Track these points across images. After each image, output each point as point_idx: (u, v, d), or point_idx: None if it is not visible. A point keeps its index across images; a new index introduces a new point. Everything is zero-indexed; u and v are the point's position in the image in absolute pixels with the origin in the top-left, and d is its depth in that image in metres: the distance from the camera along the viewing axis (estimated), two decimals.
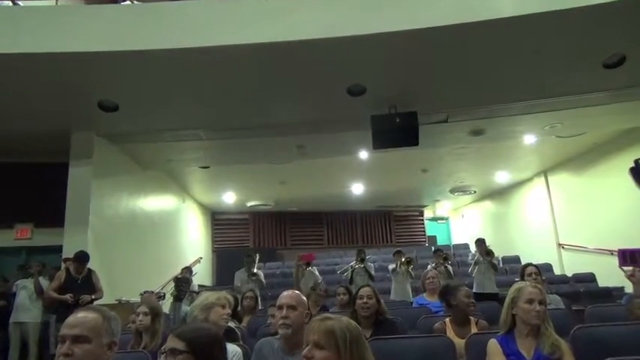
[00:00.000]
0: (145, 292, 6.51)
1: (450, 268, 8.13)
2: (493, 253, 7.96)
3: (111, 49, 4.89)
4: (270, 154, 8.27)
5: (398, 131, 5.97)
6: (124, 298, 6.46)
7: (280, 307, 2.59)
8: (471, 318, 3.57)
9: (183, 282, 7.13)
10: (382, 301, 3.70)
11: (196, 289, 8.52)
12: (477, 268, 7.90)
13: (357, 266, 8.06)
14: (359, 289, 3.70)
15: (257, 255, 8.40)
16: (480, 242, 8.21)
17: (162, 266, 9.28)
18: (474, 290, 8.00)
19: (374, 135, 6.08)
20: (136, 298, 6.32)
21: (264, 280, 8.27)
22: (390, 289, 8.14)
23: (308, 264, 7.98)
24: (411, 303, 5.87)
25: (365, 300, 3.59)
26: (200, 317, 2.65)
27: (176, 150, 7.69)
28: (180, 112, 6.32)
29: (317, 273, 8.27)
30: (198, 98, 5.96)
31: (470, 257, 8.46)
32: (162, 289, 8.66)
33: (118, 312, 2.23)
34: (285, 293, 2.65)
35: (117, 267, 6.98)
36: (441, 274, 7.81)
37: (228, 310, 2.74)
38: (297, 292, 2.67)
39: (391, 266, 8.26)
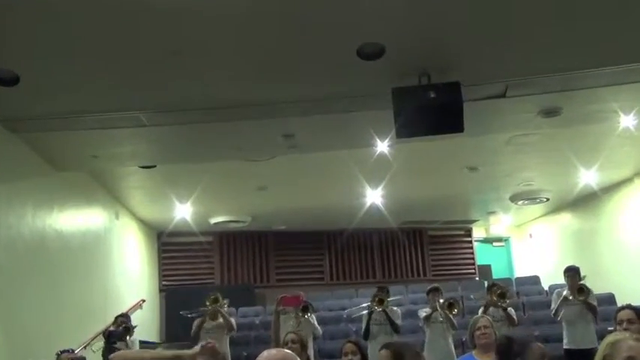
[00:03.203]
0: (62, 353, 6.51)
1: (511, 311, 8.16)
2: (588, 289, 8.00)
3: None
4: (245, 146, 8.25)
5: (432, 111, 5.97)
6: None
7: None
8: None
9: (116, 337, 7.12)
10: None
11: (135, 345, 8.54)
12: (563, 311, 7.94)
13: (375, 309, 8.09)
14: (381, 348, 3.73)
15: (225, 300, 8.49)
16: (572, 273, 8.23)
17: (87, 313, 9.27)
18: (564, 345, 8.04)
19: (397, 117, 6.08)
20: None
21: (235, 326, 8.35)
22: (423, 346, 8.17)
23: (305, 308, 8.01)
24: None
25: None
26: None
27: (105, 141, 7.68)
28: (111, 85, 6.32)
29: (316, 323, 8.31)
30: (138, 65, 5.97)
31: (554, 295, 8.51)
32: (86, 347, 8.66)
33: None
34: (266, 355, 2.58)
35: (19, 314, 6.97)
36: (498, 321, 7.85)
37: None
38: (285, 352, 2.65)
39: (424, 312, 8.29)
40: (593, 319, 8.05)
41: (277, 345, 6.09)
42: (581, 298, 7.96)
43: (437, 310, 8.14)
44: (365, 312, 8.36)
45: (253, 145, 8.21)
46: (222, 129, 7.43)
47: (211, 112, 6.96)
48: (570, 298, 7.91)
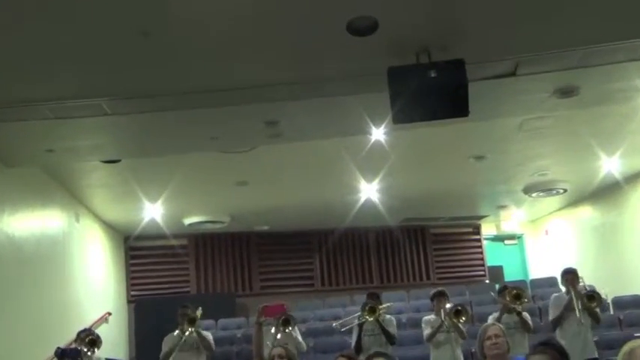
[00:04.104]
0: None
1: (526, 316, 8.18)
2: (600, 296, 8.05)
3: None
4: (222, 136, 8.23)
5: (433, 93, 5.97)
6: None
7: None
8: None
9: (71, 356, 6.98)
10: None
11: None
12: (565, 319, 7.99)
13: (366, 319, 8.11)
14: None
15: (199, 309, 8.44)
16: (569, 276, 8.29)
17: (43, 330, 9.22)
18: None
19: (393, 101, 6.08)
20: None
21: (212, 341, 8.31)
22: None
23: (286, 321, 8.01)
24: None
25: None
26: None
27: (62, 133, 7.64)
28: (69, 69, 6.27)
29: (299, 337, 8.32)
30: (100, 47, 5.92)
31: (554, 301, 8.54)
32: None
33: None
34: None
35: None
36: (512, 328, 7.88)
37: None
38: None
39: (429, 318, 8.30)
40: (593, 326, 8.14)
41: None
42: (593, 305, 8.00)
43: (443, 318, 8.15)
44: (355, 322, 8.39)
45: (231, 134, 8.19)
46: (195, 117, 7.40)
47: (183, 98, 6.92)
48: (578, 306, 7.94)
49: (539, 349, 3.73)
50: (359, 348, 8.07)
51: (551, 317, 8.45)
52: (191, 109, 7.15)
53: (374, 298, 8.40)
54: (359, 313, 8.40)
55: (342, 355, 5.60)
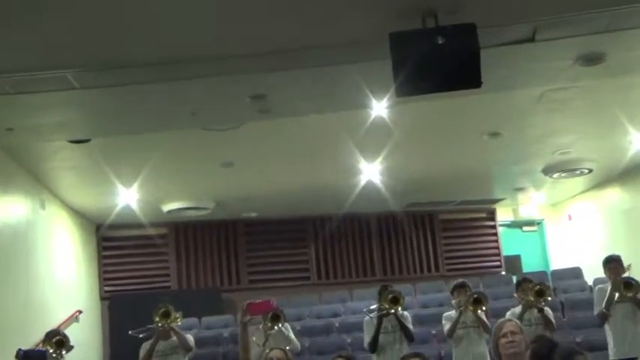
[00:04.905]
0: None
1: (548, 313, 8.19)
2: (638, 283, 8.07)
3: None
4: (203, 111, 8.24)
5: (441, 61, 5.96)
6: None
7: None
8: None
9: (34, 358, 6.97)
10: None
11: None
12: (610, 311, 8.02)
13: (388, 312, 8.10)
14: None
15: (178, 313, 8.47)
16: (612, 264, 8.30)
17: (4, 331, 9.26)
18: (611, 356, 8.15)
19: (397, 70, 6.06)
20: None
21: (191, 344, 8.33)
22: (445, 358, 8.23)
23: (275, 317, 8.04)
24: None
25: None
26: None
27: (23, 109, 7.65)
28: (30, 37, 6.24)
29: (291, 334, 8.36)
30: (65, 12, 5.88)
31: (597, 292, 8.57)
32: None
33: None
34: None
35: None
36: (532, 325, 7.89)
37: None
38: None
39: (450, 313, 8.32)
40: None
41: None
42: (629, 295, 8.01)
43: (462, 312, 8.16)
44: (370, 316, 8.40)
45: (213, 110, 8.22)
46: (172, 90, 7.40)
47: (158, 70, 6.90)
48: (617, 295, 7.96)
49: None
50: (374, 345, 8.06)
51: (595, 312, 8.50)
52: (167, 81, 7.13)
53: (388, 288, 8.39)
54: (377, 305, 8.35)
55: (340, 356, 5.63)
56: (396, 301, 8.19)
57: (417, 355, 3.80)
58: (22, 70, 6.74)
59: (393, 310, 8.12)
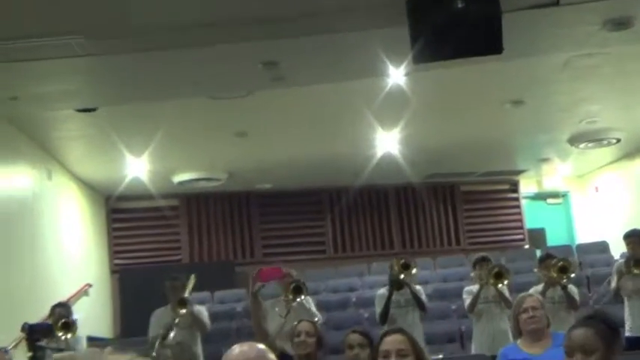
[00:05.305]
0: None
1: (572, 290, 8.16)
2: None
3: None
4: (215, 79, 8.25)
5: (461, 26, 5.96)
6: None
7: None
8: None
9: (40, 332, 7.00)
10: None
11: (79, 343, 8.55)
12: (623, 288, 7.98)
13: (398, 278, 8.09)
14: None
15: (192, 278, 8.43)
16: (631, 239, 8.26)
17: (12, 305, 9.32)
18: (626, 332, 8.12)
19: (414, 36, 6.07)
20: None
21: (206, 321, 8.33)
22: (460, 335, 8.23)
23: (297, 289, 8.03)
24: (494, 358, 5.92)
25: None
26: None
27: (27, 78, 7.65)
28: (33, 2, 6.27)
29: (313, 307, 8.36)
30: None
31: (614, 269, 8.52)
32: (15, 345, 8.71)
33: None
34: (237, 351, 2.66)
35: None
36: (555, 303, 7.86)
37: None
38: (259, 347, 2.70)
39: (471, 288, 8.31)
40: None
41: (262, 339, 6.11)
42: (636, 272, 7.97)
43: (483, 286, 8.13)
44: (382, 290, 8.40)
45: (224, 78, 8.20)
46: (181, 58, 7.39)
47: (166, 36, 6.90)
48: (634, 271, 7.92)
49: (582, 322, 3.71)
50: (385, 318, 8.06)
51: (612, 285, 8.47)
52: (176, 48, 7.12)
53: (405, 260, 8.38)
54: (391, 271, 8.33)
55: (355, 331, 5.62)
56: (407, 267, 8.17)
57: (399, 330, 3.80)
58: (23, 36, 6.74)
59: (403, 276, 8.10)
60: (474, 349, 7.99)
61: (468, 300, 8.24)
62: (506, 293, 8.05)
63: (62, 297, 10.34)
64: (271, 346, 5.23)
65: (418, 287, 8.44)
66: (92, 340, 10.79)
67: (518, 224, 16.89)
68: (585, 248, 14.67)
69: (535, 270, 8.89)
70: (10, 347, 7.16)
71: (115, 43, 6.99)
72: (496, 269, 8.08)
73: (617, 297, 8.38)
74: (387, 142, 12.47)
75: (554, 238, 16.83)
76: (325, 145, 12.46)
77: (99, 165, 12.80)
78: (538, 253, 12.26)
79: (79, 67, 7.51)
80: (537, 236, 16.84)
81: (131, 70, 7.74)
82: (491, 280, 8.00)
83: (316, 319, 8.18)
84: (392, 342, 3.68)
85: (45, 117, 10.04)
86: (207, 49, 7.19)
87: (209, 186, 14.33)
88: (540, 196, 17.55)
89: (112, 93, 8.74)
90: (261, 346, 2.73)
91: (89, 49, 7.02)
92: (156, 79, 8.12)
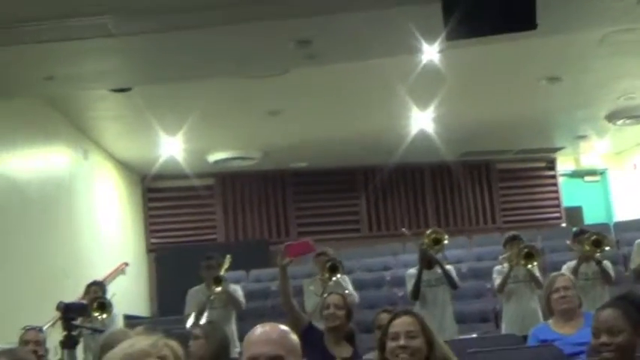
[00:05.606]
0: (28, 329, 6.64)
1: (607, 265, 8.09)
2: None
3: None
4: (248, 58, 8.25)
5: (494, 2, 6.00)
6: None
7: None
8: None
9: (75, 311, 7.08)
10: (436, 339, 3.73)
11: (114, 322, 8.60)
12: None
13: (428, 253, 8.07)
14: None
15: (227, 258, 8.48)
16: None
17: (49, 283, 9.45)
18: None
19: (447, 12, 6.07)
20: (2, 344, 6.44)
21: (241, 299, 8.38)
22: (494, 315, 8.21)
23: (334, 268, 8.05)
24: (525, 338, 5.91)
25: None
26: None
27: (62, 57, 7.70)
28: None
29: (350, 286, 8.39)
30: None
31: (635, 246, 8.40)
32: (52, 324, 8.82)
33: None
34: (259, 331, 2.69)
35: None
36: (589, 279, 7.81)
37: None
38: (281, 328, 2.72)
39: (500, 267, 8.28)
40: None
41: (292, 313, 6.13)
42: None
43: (513, 266, 8.09)
44: (412, 270, 8.39)
45: (257, 56, 8.21)
46: (214, 37, 7.43)
47: (199, 15, 6.92)
48: None
49: (611, 303, 3.70)
50: (416, 295, 8.05)
51: (632, 265, 8.36)
52: (210, 26, 7.16)
53: (435, 235, 8.36)
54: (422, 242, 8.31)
55: (385, 311, 5.65)
56: (437, 242, 8.16)
57: (408, 312, 3.81)
58: (58, 16, 6.81)
59: (432, 250, 8.09)
60: (504, 329, 7.97)
61: (497, 280, 8.19)
62: (537, 273, 8.01)
63: (99, 276, 10.43)
64: (297, 320, 5.25)
65: (449, 267, 8.43)
66: (129, 319, 10.86)
67: (554, 202, 16.78)
68: (623, 226, 14.51)
69: (567, 242, 8.79)
70: (46, 327, 7.23)
71: (149, 22, 7.01)
72: (526, 250, 8.03)
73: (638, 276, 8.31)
74: (422, 120, 12.45)
75: (592, 217, 16.67)
76: (359, 123, 12.43)
77: (134, 144, 12.91)
78: (573, 230, 12.18)
79: (113, 47, 7.55)
80: (574, 214, 16.71)
81: (165, 49, 7.77)
82: (522, 261, 7.95)
83: (349, 299, 8.23)
84: (401, 324, 3.69)
85: (80, 97, 10.14)
86: (240, 27, 7.20)
87: (244, 165, 14.36)
88: (578, 174, 17.42)
89: (146, 73, 8.78)
90: (284, 326, 2.75)
91: (123, 29, 7.07)
92: (189, 59, 8.13)
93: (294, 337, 2.70)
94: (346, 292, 8.01)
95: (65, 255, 10.51)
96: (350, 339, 5.78)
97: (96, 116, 11.18)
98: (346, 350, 5.62)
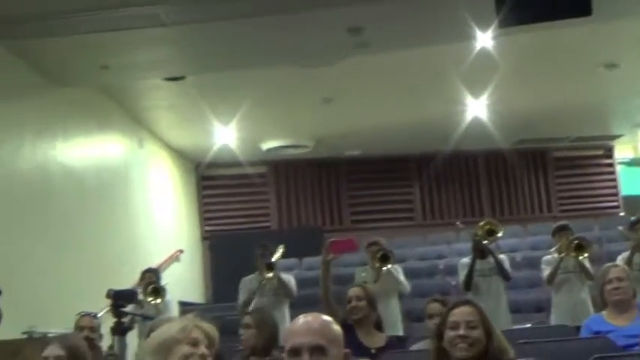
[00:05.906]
0: (83, 315, 6.74)
1: None
2: None
3: None
4: (301, 47, 8.29)
5: None
6: (37, 330, 6.70)
7: (295, 353, 2.61)
8: None
9: (125, 298, 7.16)
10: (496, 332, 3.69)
11: (168, 308, 8.67)
12: None
13: (481, 243, 8.00)
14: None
15: (280, 248, 8.52)
16: None
17: (106, 270, 9.57)
18: None
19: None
20: (60, 329, 6.53)
21: (293, 287, 8.41)
22: (549, 304, 8.11)
23: (385, 257, 8.03)
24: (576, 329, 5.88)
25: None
26: None
27: (116, 47, 7.80)
28: None
29: (401, 276, 8.36)
30: None
31: None
32: (108, 311, 8.94)
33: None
34: (301, 321, 2.68)
35: (18, 273, 7.23)
36: None
37: (205, 350, 2.78)
38: (324, 318, 2.72)
39: (549, 257, 8.18)
40: None
41: (329, 308, 6.16)
42: None
43: (563, 256, 7.99)
44: (465, 260, 8.34)
45: (309, 45, 8.25)
46: (266, 25, 7.45)
47: (252, 4, 6.98)
48: None
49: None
50: (469, 285, 8.00)
51: None
52: (262, 16, 7.19)
53: (489, 227, 8.28)
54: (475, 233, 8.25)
55: (435, 301, 5.62)
56: (491, 233, 8.09)
57: (468, 302, 3.78)
58: (112, 6, 6.90)
59: (486, 241, 8.02)
60: (553, 320, 7.85)
61: (546, 270, 8.07)
62: (587, 264, 7.90)
63: (154, 263, 10.55)
64: (333, 316, 5.26)
65: (502, 256, 8.35)
66: (183, 305, 10.98)
67: (612, 191, 16.57)
68: None
69: (620, 228, 8.64)
70: (100, 313, 7.31)
71: (200, 11, 7.08)
72: (576, 241, 7.91)
73: None
74: (475, 107, 12.36)
75: None
76: (412, 110, 12.40)
77: (188, 133, 13.04)
78: (631, 219, 12.01)
79: (165, 37, 7.63)
80: (632, 203, 16.42)
81: (218, 38, 7.83)
82: (572, 253, 7.85)
83: (401, 288, 8.21)
84: (461, 313, 3.66)
85: (135, 86, 10.25)
86: (292, 15, 7.24)
87: (296, 153, 14.41)
88: (636, 162, 17.13)
89: (200, 62, 8.86)
90: (326, 317, 2.73)
91: (175, 18, 7.15)
92: (241, 48, 8.17)
93: (336, 327, 2.68)
94: (399, 280, 8.04)
95: (121, 242, 10.66)
96: (379, 326, 5.85)
97: (150, 105, 11.30)
98: (378, 339, 5.64)
